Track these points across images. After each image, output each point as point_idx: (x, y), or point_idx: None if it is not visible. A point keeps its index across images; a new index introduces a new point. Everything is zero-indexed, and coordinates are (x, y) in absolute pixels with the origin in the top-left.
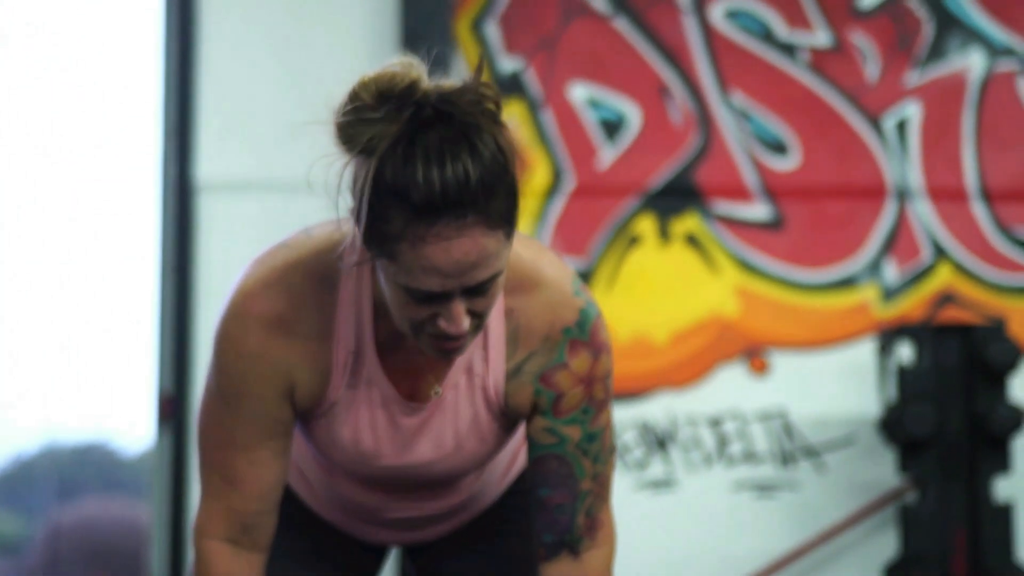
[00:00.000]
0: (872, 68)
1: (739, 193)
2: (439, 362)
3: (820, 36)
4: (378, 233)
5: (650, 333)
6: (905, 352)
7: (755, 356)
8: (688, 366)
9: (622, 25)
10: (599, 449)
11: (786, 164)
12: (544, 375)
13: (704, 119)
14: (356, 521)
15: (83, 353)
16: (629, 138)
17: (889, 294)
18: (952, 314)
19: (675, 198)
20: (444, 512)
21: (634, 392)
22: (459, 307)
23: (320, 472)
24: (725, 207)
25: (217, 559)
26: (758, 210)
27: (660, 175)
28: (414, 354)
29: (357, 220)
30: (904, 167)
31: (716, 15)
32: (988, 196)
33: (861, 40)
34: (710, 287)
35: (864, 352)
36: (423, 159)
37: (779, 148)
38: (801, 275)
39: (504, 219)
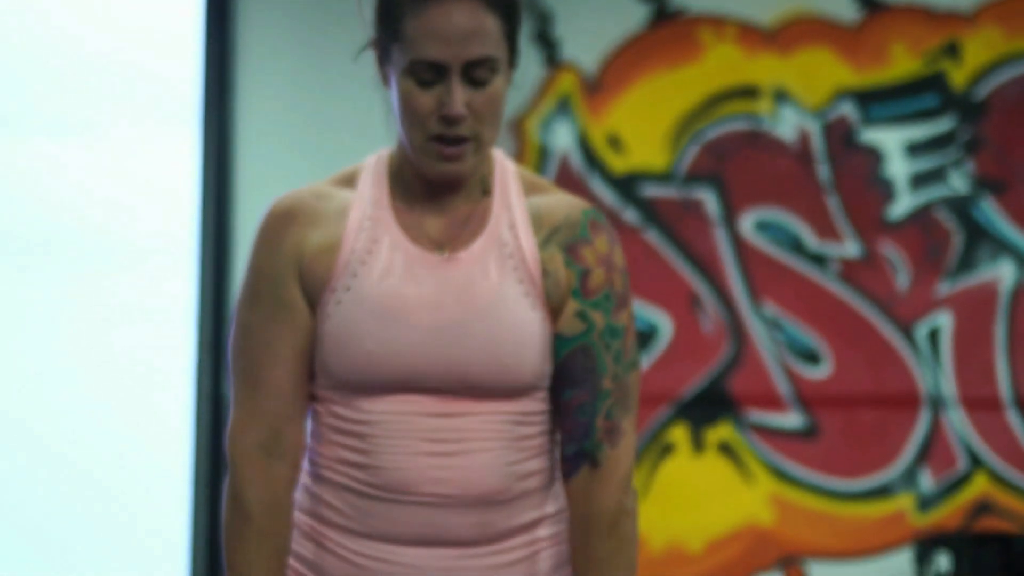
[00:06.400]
0: (903, 278)
1: (772, 402)
2: (461, 236)
3: (850, 247)
4: (388, 19)
5: (685, 542)
6: (943, 562)
7: (791, 566)
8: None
9: (652, 237)
10: (620, 350)
11: (819, 373)
12: (570, 247)
13: (736, 329)
14: (382, 542)
15: (113, 557)
16: (661, 348)
17: (925, 503)
18: (990, 523)
19: (708, 407)
20: (480, 495)
21: None
22: (458, 87)
23: (348, 445)
24: (758, 416)
25: (249, 464)
26: (791, 419)
27: (692, 384)
28: (434, 234)
29: (374, 20)
30: (937, 376)
31: (746, 226)
32: (1022, 405)
33: (891, 251)
34: (744, 496)
35: (901, 562)
36: None
37: (811, 357)
38: (836, 484)
39: (503, 11)
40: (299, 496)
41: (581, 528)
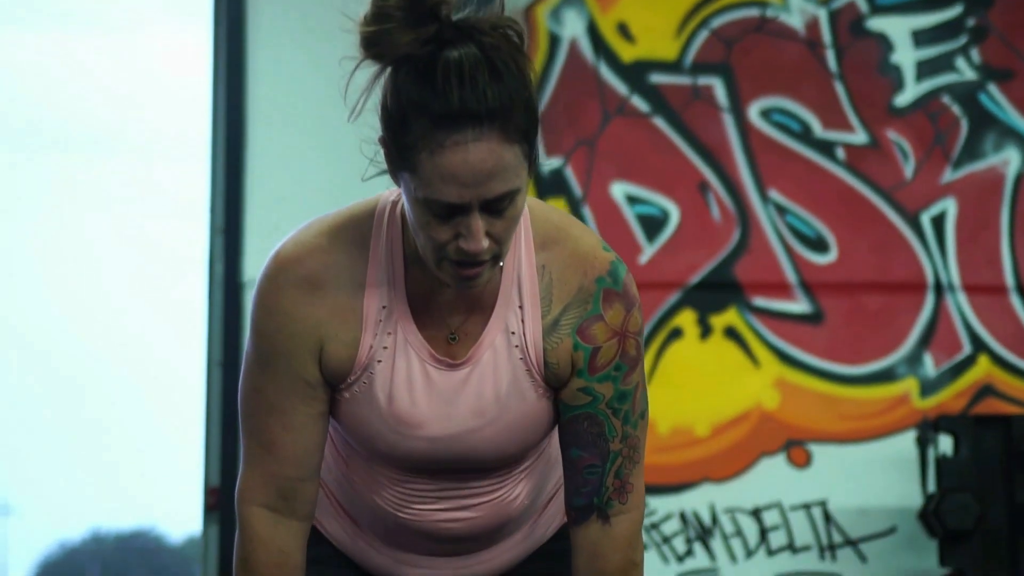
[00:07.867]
0: (909, 165)
1: (778, 288)
2: (471, 318)
3: (857, 134)
4: (400, 144)
5: (691, 425)
6: (945, 443)
7: (795, 448)
8: (729, 458)
9: (661, 124)
10: (630, 409)
11: (824, 259)
12: (581, 328)
13: (743, 215)
14: (400, 550)
15: (132, 442)
16: (668, 234)
17: (928, 386)
18: (991, 406)
19: (715, 293)
20: (493, 527)
21: (676, 483)
22: (478, 223)
23: (361, 481)
24: (764, 302)
25: (258, 525)
26: (797, 305)
27: (700, 270)
28: (446, 313)
29: (382, 129)
30: (942, 262)
31: (753, 113)
32: None
33: (897, 138)
34: (750, 380)
35: (904, 444)
36: (443, 71)
37: (817, 244)
38: (840, 368)
39: (522, 135)
40: (329, 477)
41: None
